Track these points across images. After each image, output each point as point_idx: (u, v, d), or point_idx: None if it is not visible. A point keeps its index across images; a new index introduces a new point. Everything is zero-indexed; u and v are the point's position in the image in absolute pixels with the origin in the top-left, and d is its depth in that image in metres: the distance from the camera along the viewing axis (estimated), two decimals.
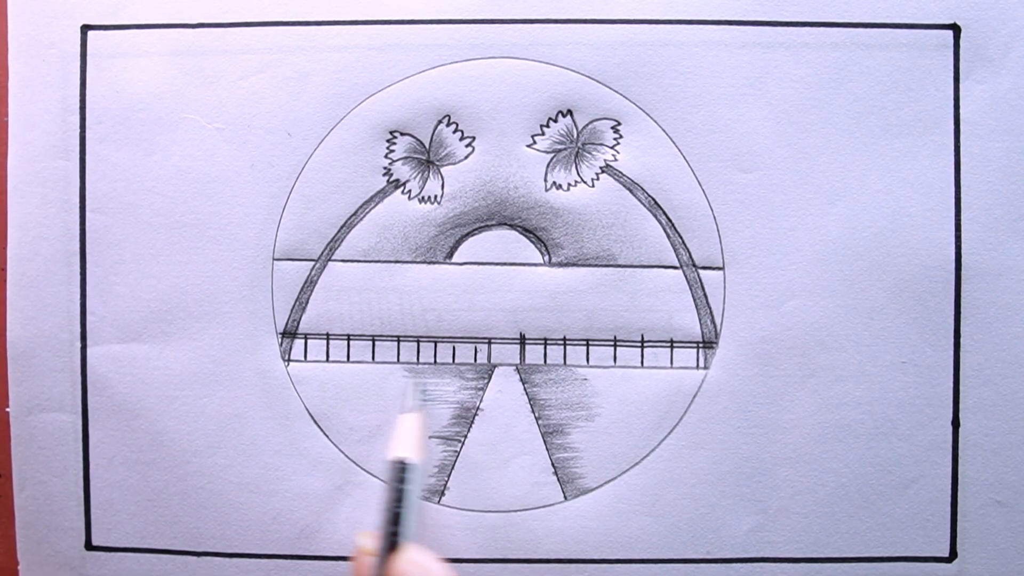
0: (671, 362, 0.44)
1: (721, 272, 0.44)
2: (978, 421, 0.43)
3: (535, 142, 0.44)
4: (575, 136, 0.44)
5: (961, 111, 0.43)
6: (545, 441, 0.44)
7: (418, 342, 0.44)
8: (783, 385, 0.44)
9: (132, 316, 0.44)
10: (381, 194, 0.44)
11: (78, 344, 0.44)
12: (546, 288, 0.44)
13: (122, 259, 0.44)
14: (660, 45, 0.43)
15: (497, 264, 0.44)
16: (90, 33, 0.44)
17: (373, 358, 0.44)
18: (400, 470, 0.40)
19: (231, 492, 0.44)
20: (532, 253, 0.44)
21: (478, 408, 0.44)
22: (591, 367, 0.44)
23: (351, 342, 0.44)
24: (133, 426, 0.44)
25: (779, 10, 0.43)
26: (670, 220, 0.44)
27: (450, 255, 0.44)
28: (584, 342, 0.44)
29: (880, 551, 0.44)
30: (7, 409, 0.45)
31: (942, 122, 0.43)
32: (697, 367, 0.44)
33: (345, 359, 0.44)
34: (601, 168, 0.44)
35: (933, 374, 0.43)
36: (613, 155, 0.44)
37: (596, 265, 0.44)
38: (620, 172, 0.44)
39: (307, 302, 0.44)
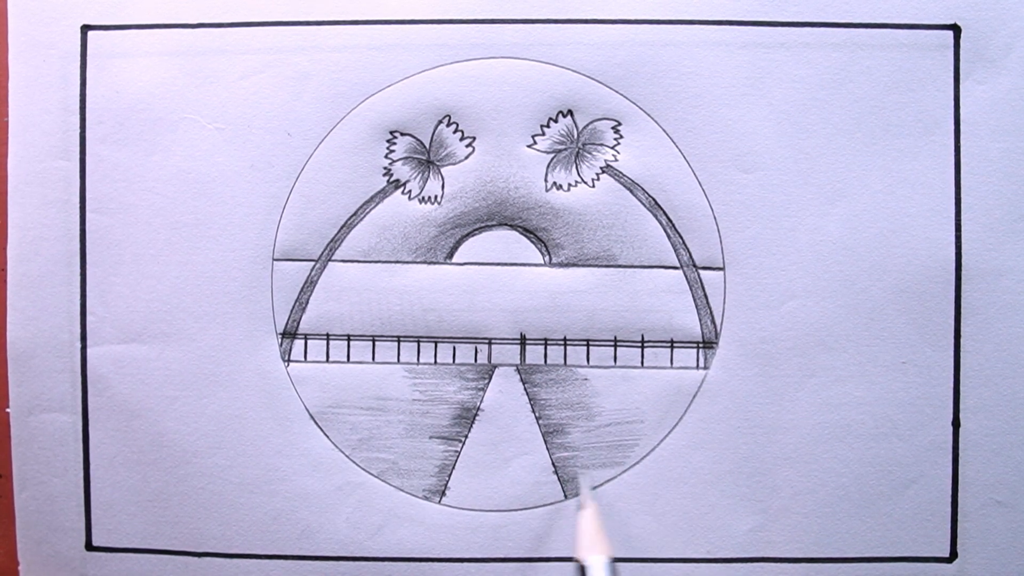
0: (671, 362, 0.44)
1: (721, 272, 0.44)
2: (978, 421, 0.43)
3: (535, 142, 0.44)
4: (575, 136, 0.44)
5: (961, 111, 0.43)
6: (545, 441, 0.44)
7: (418, 342, 0.44)
8: (783, 385, 0.44)
9: (132, 316, 0.44)
10: (381, 194, 0.44)
11: (78, 344, 0.44)
12: (546, 288, 0.44)
13: (122, 259, 0.44)
14: (660, 45, 0.43)
15: (497, 264, 0.44)
16: (90, 33, 0.44)
17: (373, 358, 0.44)
18: (586, 571, 0.38)
19: (231, 492, 0.44)
20: (532, 253, 0.44)
21: (479, 408, 0.44)
22: (591, 367, 0.44)
23: (351, 342, 0.44)
24: (133, 426, 0.44)
25: (779, 10, 0.43)
26: (670, 220, 0.44)
27: (450, 255, 0.44)
28: (584, 342, 0.44)
29: (880, 551, 0.44)
30: (7, 409, 0.45)
31: (942, 122, 0.43)
32: (697, 367, 0.44)
33: (345, 359, 0.44)
34: (601, 168, 0.44)
35: (933, 374, 0.43)
36: (613, 155, 0.44)
37: (596, 265, 0.44)
38: (620, 172, 0.44)
39: (307, 302, 0.44)
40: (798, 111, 0.43)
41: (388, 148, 0.44)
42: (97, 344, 0.44)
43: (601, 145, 0.44)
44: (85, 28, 0.44)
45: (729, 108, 0.43)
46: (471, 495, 0.44)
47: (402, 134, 0.44)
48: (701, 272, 0.44)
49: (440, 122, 0.44)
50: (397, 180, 0.44)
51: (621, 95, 0.43)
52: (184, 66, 0.44)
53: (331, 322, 0.44)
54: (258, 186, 0.44)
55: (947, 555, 0.44)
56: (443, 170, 0.44)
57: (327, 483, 0.44)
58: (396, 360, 0.44)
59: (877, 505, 0.44)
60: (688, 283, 0.44)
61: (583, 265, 0.44)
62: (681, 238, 0.44)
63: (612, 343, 0.44)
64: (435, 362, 0.44)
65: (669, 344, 0.44)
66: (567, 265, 0.44)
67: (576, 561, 0.38)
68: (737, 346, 0.44)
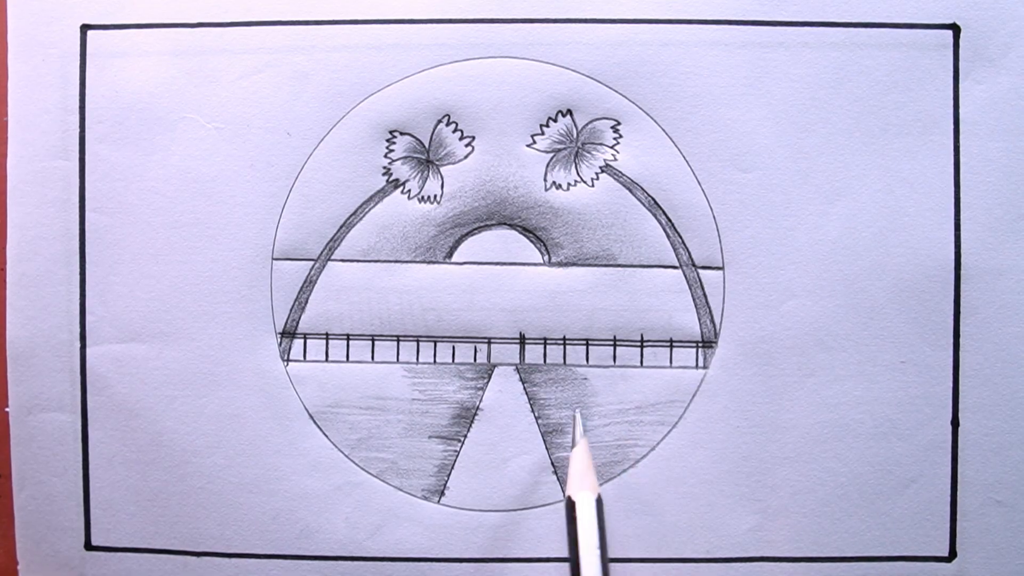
0: (670, 362, 0.44)
1: (721, 272, 0.44)
2: (978, 421, 0.43)
3: (535, 142, 0.44)
4: (575, 136, 0.44)
5: (961, 111, 0.43)
6: (545, 440, 0.44)
7: (418, 342, 0.44)
8: (783, 385, 0.44)
9: (132, 316, 0.44)
10: (381, 194, 0.44)
11: (78, 344, 0.44)
12: (546, 288, 0.44)
13: (122, 259, 0.44)
14: (660, 45, 0.43)
15: (497, 264, 0.44)
16: (90, 33, 0.44)
17: (373, 358, 0.44)
18: (575, 507, 0.37)
19: (230, 492, 0.44)
20: (532, 253, 0.44)
21: (478, 408, 0.44)
22: (591, 367, 0.44)
23: (350, 342, 0.44)
24: (133, 426, 0.44)
25: (779, 10, 0.43)
26: (670, 220, 0.44)
27: (450, 255, 0.44)
28: (584, 342, 0.44)
29: (880, 551, 0.44)
30: (7, 409, 0.45)
31: (942, 122, 0.43)
32: (696, 367, 0.44)
33: (344, 359, 0.44)
34: (601, 168, 0.44)
35: (933, 374, 0.43)
36: (613, 155, 0.44)
37: (596, 265, 0.44)
38: (620, 172, 0.44)
39: (306, 302, 0.44)
40: (798, 111, 0.43)
41: (387, 148, 0.44)
42: (96, 344, 0.44)
43: (600, 144, 0.44)
44: (85, 28, 0.44)
45: (728, 108, 0.43)
46: (470, 495, 0.44)
47: (401, 133, 0.44)
48: (700, 271, 0.44)
49: (439, 121, 0.44)
50: (397, 179, 0.44)
51: (621, 95, 0.44)
52: (184, 66, 0.44)
53: (330, 321, 0.44)
54: (258, 186, 0.44)
55: (946, 555, 0.43)
56: (442, 169, 0.44)
57: (326, 483, 0.44)
58: (395, 360, 0.44)
59: (876, 505, 0.43)
60: (687, 282, 0.44)
61: (582, 265, 0.44)
62: (680, 237, 0.44)
63: (611, 342, 0.44)
64: (434, 362, 0.44)
65: (668, 343, 0.44)
66: (566, 264, 0.44)
67: (566, 499, 0.37)
68: (736, 345, 0.44)
